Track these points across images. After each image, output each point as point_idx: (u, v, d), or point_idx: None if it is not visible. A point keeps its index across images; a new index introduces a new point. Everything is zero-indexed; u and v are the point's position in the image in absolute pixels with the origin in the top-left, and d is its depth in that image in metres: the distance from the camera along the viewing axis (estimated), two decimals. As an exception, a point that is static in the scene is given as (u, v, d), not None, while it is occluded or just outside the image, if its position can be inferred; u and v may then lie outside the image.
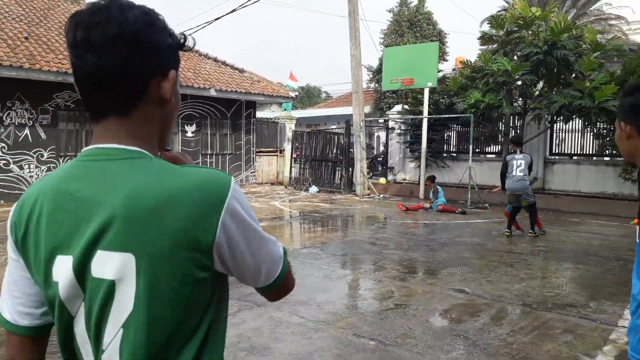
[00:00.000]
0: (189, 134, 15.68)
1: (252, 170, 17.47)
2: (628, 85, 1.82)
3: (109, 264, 0.85)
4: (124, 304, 0.86)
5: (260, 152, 18.25)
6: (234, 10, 14.31)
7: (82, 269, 0.87)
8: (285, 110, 21.16)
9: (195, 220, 0.86)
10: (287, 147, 18.35)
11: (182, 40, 0.99)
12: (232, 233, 0.90)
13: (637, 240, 1.82)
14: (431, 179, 12.32)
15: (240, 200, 0.92)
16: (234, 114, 16.77)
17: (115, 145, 0.91)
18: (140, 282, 0.85)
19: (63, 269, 0.88)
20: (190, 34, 1.02)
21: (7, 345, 0.98)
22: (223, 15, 14.80)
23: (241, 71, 17.56)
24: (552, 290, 5.48)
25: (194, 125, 15.77)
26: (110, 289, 0.86)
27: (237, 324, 4.29)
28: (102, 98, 0.91)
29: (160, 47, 0.93)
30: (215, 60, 17.57)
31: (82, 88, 0.92)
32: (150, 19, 0.92)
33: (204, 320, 0.92)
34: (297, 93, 21.09)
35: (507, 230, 8.74)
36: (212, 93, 15.24)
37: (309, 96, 53.84)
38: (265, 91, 16.76)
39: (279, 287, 1.03)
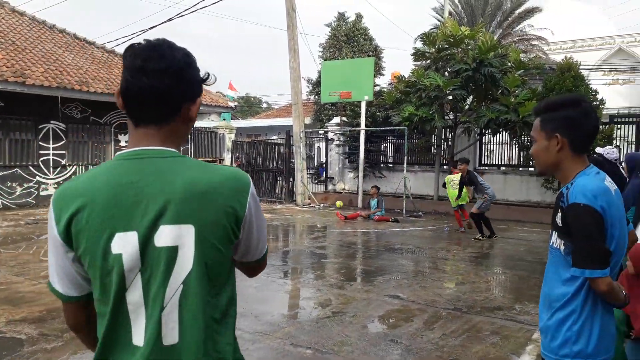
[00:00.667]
0: (123, 144, 15.14)
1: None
2: (559, 99, 1.88)
3: (172, 234, 1.12)
4: (184, 264, 1.13)
5: (198, 162, 17.88)
6: (170, 19, 14.06)
7: (146, 242, 1.11)
8: (224, 120, 20.92)
9: (233, 200, 1.18)
10: (227, 157, 18.14)
11: (205, 77, 1.28)
12: (252, 211, 1.23)
13: (549, 242, 1.97)
14: (377, 188, 12.67)
15: (255, 191, 1.26)
16: (170, 123, 16.37)
17: (158, 147, 1.18)
18: (197, 245, 1.14)
19: (127, 243, 1.11)
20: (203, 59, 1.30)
21: (64, 311, 1.26)
22: (159, 24, 14.48)
23: (178, 80, 17.20)
24: (481, 294, 5.75)
25: (128, 134, 15.26)
26: (174, 254, 1.12)
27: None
28: (146, 111, 1.18)
29: (194, 81, 1.23)
30: (151, 68, 17.12)
31: (131, 101, 1.18)
32: (189, 59, 1.22)
33: (230, 275, 1.25)
34: (236, 103, 20.96)
35: (482, 235, 9.47)
36: (148, 102, 14.83)
37: (249, 106, 53.54)
38: (203, 100, 16.50)
39: (262, 262, 1.38)
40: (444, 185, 11.67)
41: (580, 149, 1.83)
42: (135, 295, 1.13)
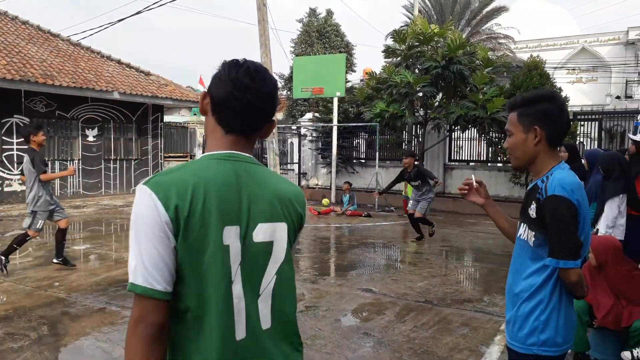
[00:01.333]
0: (90, 139, 14.79)
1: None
2: (536, 94, 1.92)
3: (268, 231, 1.26)
4: (278, 257, 1.28)
5: (169, 157, 17.64)
6: (139, 12, 13.78)
7: (246, 236, 1.22)
8: (195, 114, 20.65)
9: (301, 209, 1.38)
10: (198, 152, 17.93)
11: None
12: (304, 222, 1.43)
13: (517, 235, 2.03)
14: (349, 184, 12.78)
15: None
16: (139, 117, 16.07)
17: (247, 154, 1.31)
18: (289, 240, 1.32)
19: (233, 236, 1.20)
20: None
21: (153, 313, 1.13)
22: (127, 17, 14.13)
23: (147, 74, 16.89)
24: (451, 287, 5.87)
25: (96, 129, 14.91)
26: (270, 248, 1.27)
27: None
28: (240, 124, 1.30)
29: (277, 104, 1.37)
30: (119, 62, 16.75)
31: (229, 112, 1.28)
32: (277, 84, 1.37)
33: None
34: (207, 98, 20.69)
35: (428, 233, 8.89)
36: (116, 96, 14.51)
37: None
38: (173, 95, 16.26)
39: None
40: None
41: (555, 143, 1.89)
42: (237, 288, 1.20)
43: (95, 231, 9.39)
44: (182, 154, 18.38)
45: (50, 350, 3.84)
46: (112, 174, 15.36)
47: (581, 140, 12.99)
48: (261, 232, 1.24)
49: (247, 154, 1.32)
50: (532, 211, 1.85)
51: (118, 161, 15.52)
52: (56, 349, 3.91)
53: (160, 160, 16.78)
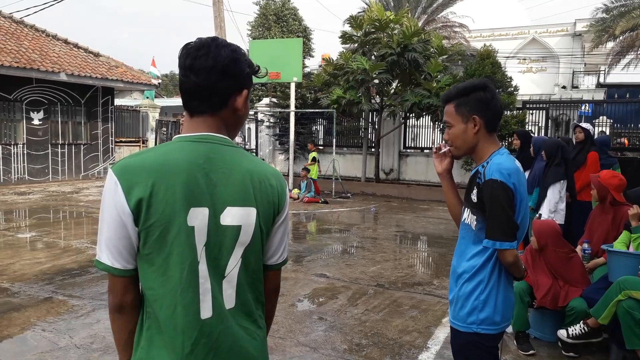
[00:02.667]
0: (36, 122, 14.12)
1: (111, 162, 16.32)
2: (469, 84, 1.97)
3: (237, 215, 1.26)
4: (245, 241, 1.28)
5: (120, 142, 17.10)
6: (87, -11, 13.14)
7: (213, 219, 1.23)
8: (147, 98, 20.05)
9: (276, 194, 1.34)
10: (151, 137, 17.46)
11: (256, 69, 1.39)
12: (287, 210, 1.40)
13: (461, 219, 2.09)
14: (306, 170, 12.69)
15: None
16: (89, 100, 15.47)
17: (219, 135, 1.30)
18: (257, 224, 1.29)
19: (199, 216, 1.22)
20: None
21: (116, 287, 1.26)
22: (75, -7, 13.47)
23: (97, 55, 16.23)
24: (402, 270, 6.01)
25: (42, 112, 14.24)
26: (237, 231, 1.26)
27: (90, 324, 4.04)
28: (199, 103, 1.30)
29: (240, 74, 1.32)
30: (66, 42, 16.00)
31: (184, 96, 1.31)
32: (236, 55, 1.31)
33: None
34: (160, 80, 20.13)
35: None
36: (63, 77, 13.89)
37: (174, 84, 51.56)
38: (124, 77, 15.71)
39: (281, 269, 1.47)
40: (314, 160, 12.64)
41: (492, 129, 1.96)
42: (203, 269, 1.23)
43: (42, 218, 9.03)
44: (134, 139, 17.84)
45: (-9, 343, 3.69)
46: (59, 159, 14.77)
47: (530, 128, 13.47)
48: (229, 216, 1.25)
49: (219, 135, 1.31)
50: (474, 196, 1.92)
51: (66, 146, 14.93)
52: (-3, 340, 3.76)
53: (111, 145, 16.25)
